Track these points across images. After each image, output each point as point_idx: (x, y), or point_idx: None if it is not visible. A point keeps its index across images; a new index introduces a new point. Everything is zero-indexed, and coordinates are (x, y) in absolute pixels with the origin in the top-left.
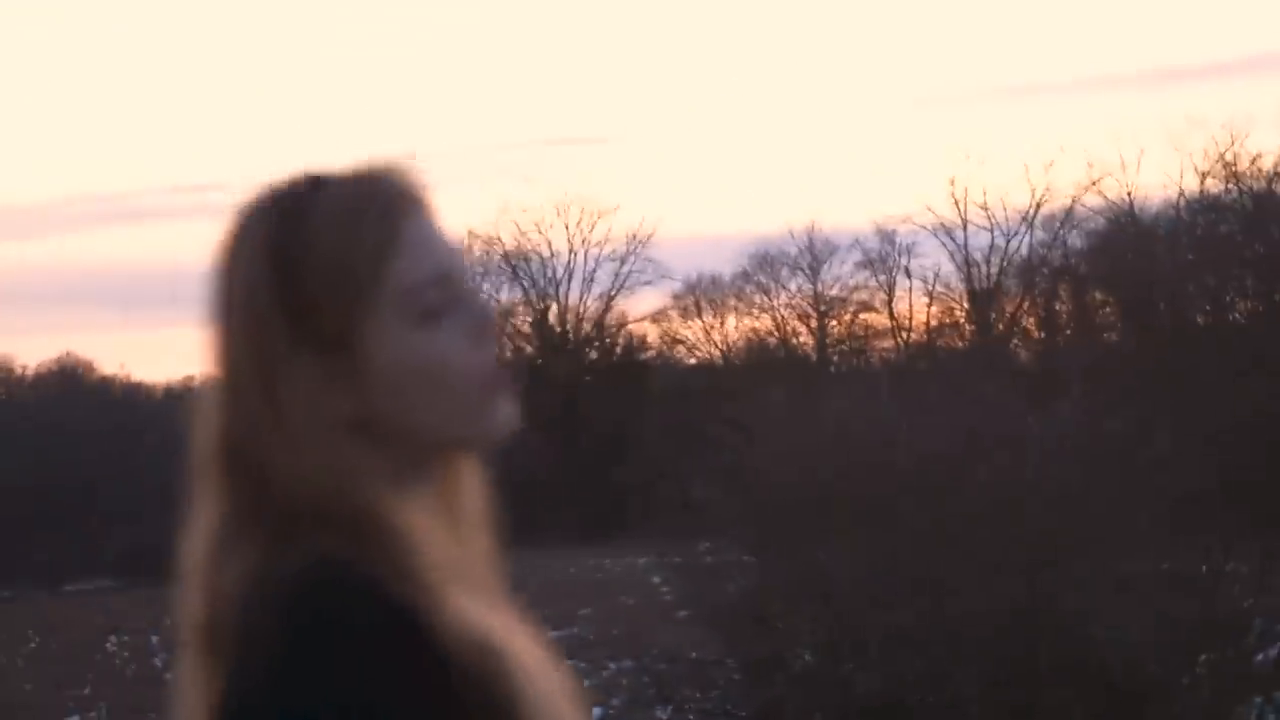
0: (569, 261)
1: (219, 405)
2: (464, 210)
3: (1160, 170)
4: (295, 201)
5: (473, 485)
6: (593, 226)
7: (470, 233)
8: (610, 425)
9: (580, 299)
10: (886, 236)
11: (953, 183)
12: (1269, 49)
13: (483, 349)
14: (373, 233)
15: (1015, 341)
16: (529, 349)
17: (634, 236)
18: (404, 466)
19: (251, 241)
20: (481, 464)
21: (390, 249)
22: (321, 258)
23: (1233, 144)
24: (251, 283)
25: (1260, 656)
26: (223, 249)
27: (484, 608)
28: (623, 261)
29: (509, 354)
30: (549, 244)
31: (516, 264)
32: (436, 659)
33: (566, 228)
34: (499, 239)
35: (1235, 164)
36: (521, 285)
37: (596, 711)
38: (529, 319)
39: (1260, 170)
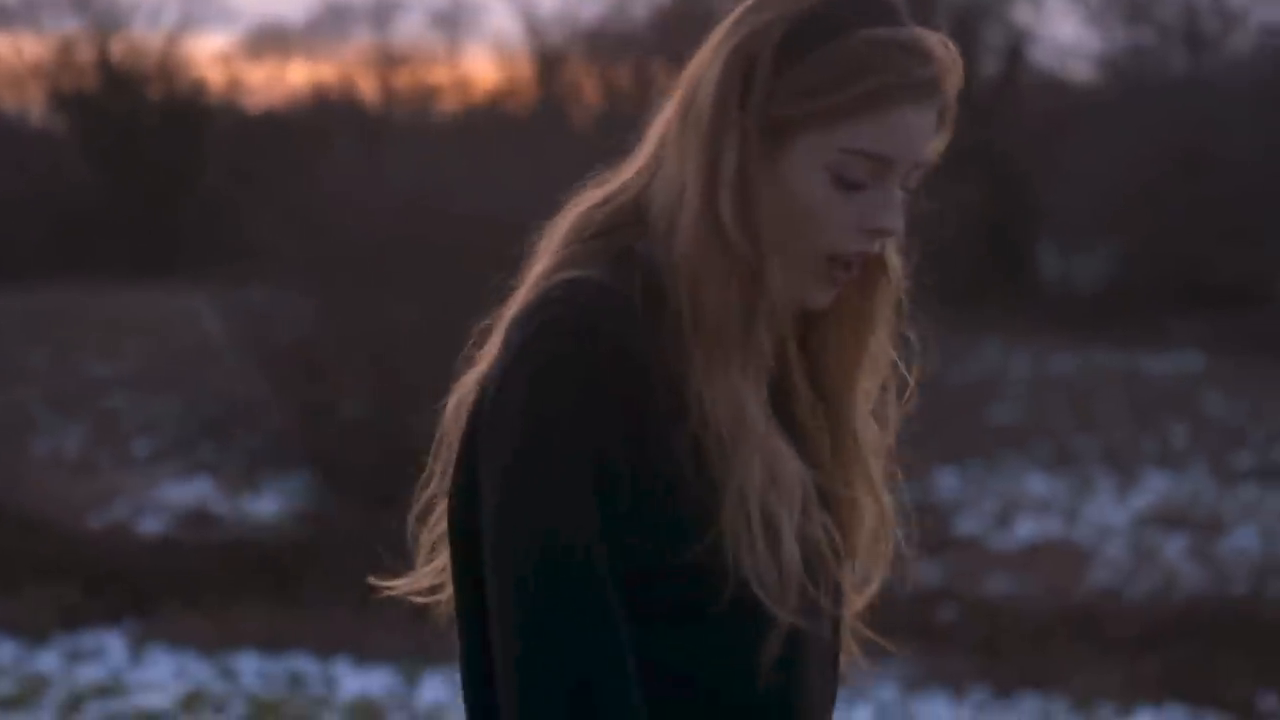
0: None
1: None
2: None
3: None
4: (850, 12)
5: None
6: None
7: None
8: (170, 165)
9: (144, 35)
10: None
11: None
12: None
13: (859, 242)
14: (877, 89)
15: (578, 108)
16: (89, 83)
17: None
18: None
19: (792, 13)
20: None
21: (872, 111)
22: (820, 67)
23: None
24: (757, 35)
25: None
26: (753, 5)
27: (758, 398)
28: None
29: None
30: None
31: None
32: (646, 398)
33: None
34: None
35: None
36: (83, 17)
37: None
38: (90, 54)
39: None
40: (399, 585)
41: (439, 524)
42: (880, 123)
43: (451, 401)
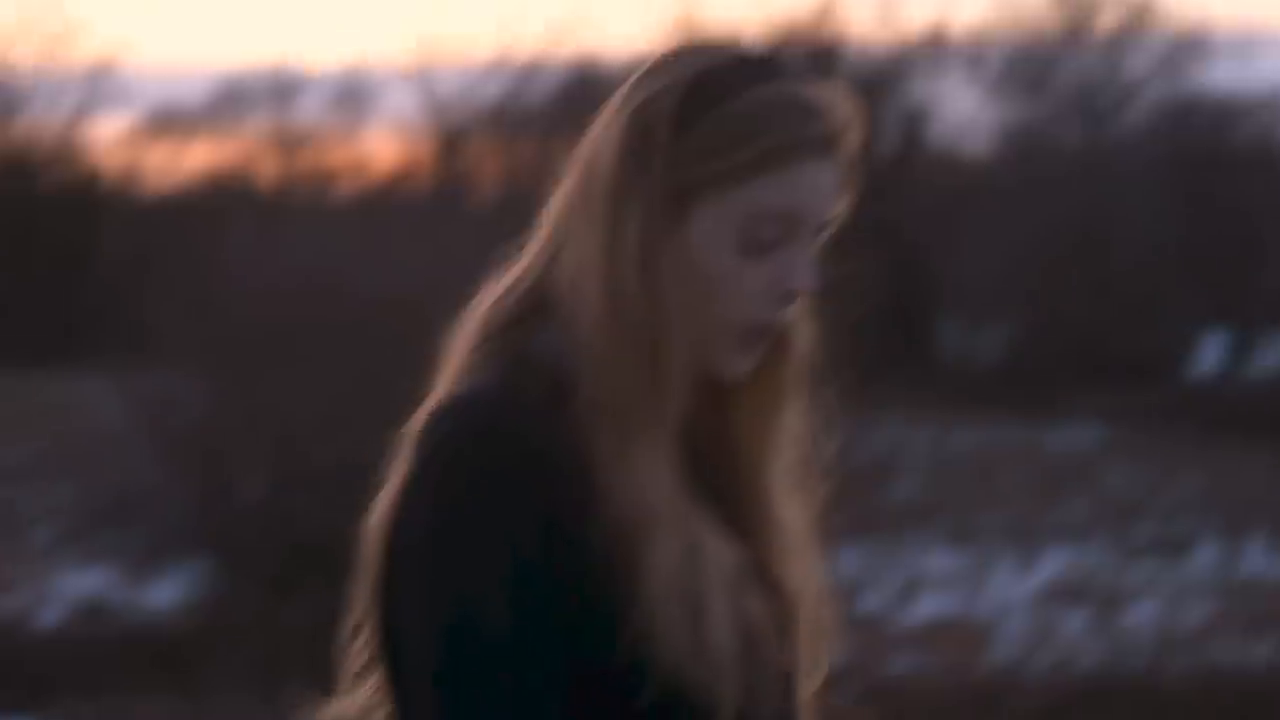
0: (32, 80)
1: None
2: None
3: (623, 29)
4: (748, 71)
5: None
6: (58, 46)
7: None
8: (66, 249)
9: (41, 119)
10: (356, 76)
11: (422, 26)
12: None
13: (774, 307)
14: (776, 144)
15: (479, 187)
16: None
17: (100, 59)
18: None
19: (687, 77)
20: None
21: (775, 167)
22: (718, 126)
23: (691, 8)
24: (654, 102)
25: None
26: (662, 62)
27: (672, 479)
28: (88, 83)
29: None
30: (11, 61)
31: None
32: (555, 501)
33: (32, 46)
34: None
35: (693, 28)
36: None
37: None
38: None
39: (715, 35)
40: (331, 711)
41: (367, 646)
42: (782, 179)
43: (369, 522)
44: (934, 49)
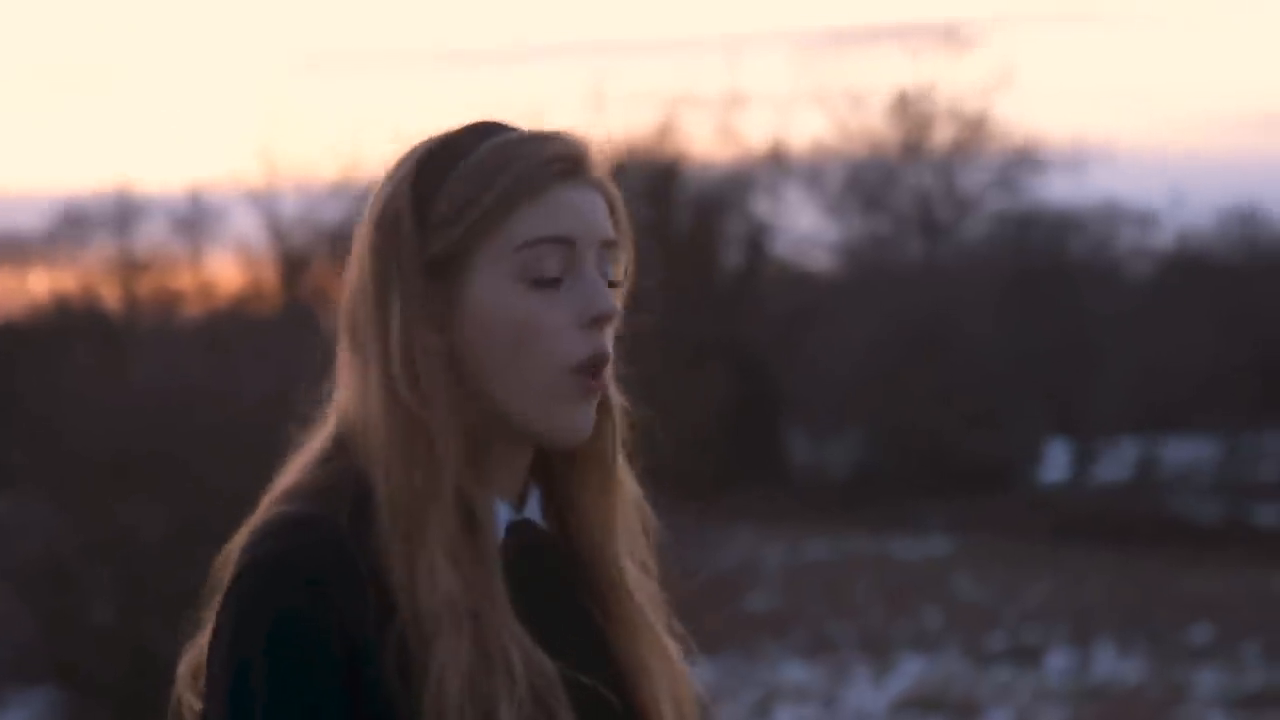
0: None
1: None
2: None
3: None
4: (467, 136)
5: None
6: None
7: None
8: None
9: None
10: (198, 199)
11: (264, 149)
12: (565, 39)
13: (588, 336)
14: (515, 179)
15: (323, 307)
16: None
17: None
18: (477, 437)
19: (415, 158)
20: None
21: (524, 200)
22: (457, 186)
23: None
24: (393, 193)
25: None
26: (392, 163)
27: (462, 577)
28: None
29: None
30: None
31: None
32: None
33: None
34: None
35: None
36: None
37: None
38: None
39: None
40: None
41: None
42: (536, 209)
43: (181, 665)
44: (774, 165)
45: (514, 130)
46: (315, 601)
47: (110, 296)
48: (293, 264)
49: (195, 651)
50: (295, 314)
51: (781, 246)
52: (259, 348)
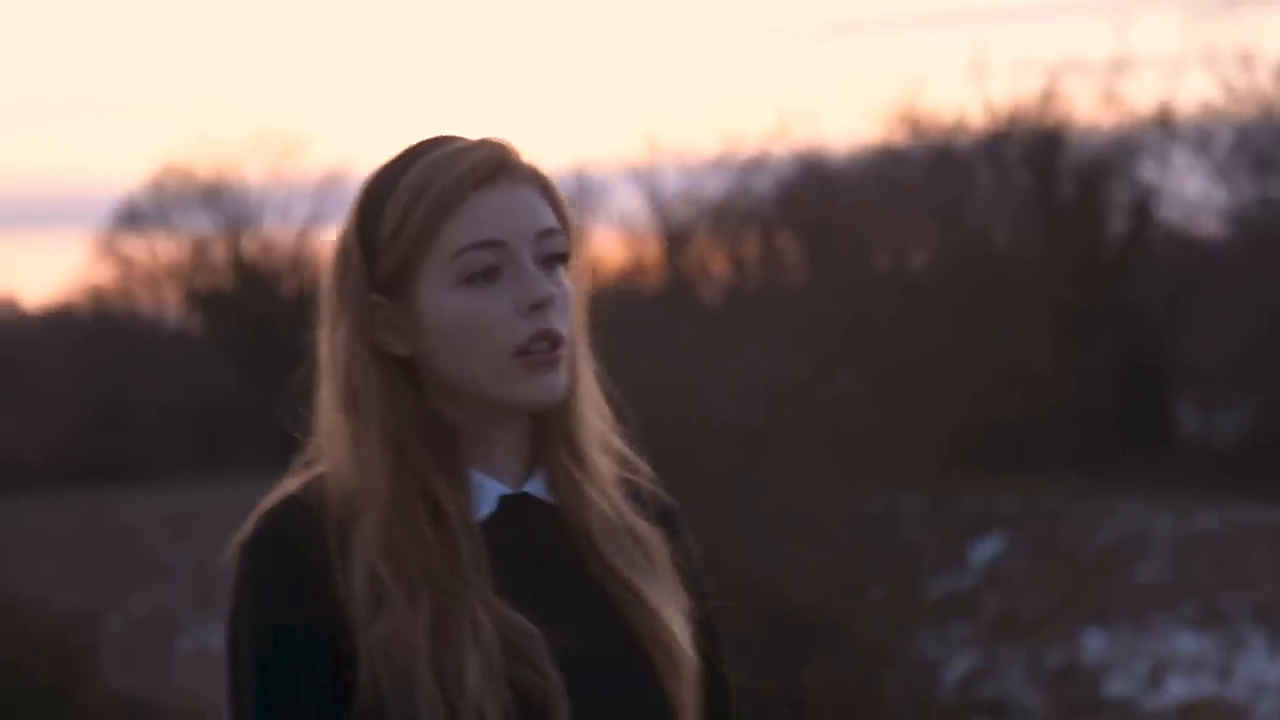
0: (265, 193)
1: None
2: (159, 141)
3: (845, 121)
4: (404, 158)
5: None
6: (289, 159)
7: (166, 165)
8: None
9: (276, 231)
10: (580, 177)
11: (646, 127)
12: (946, 6)
13: (530, 320)
14: (438, 195)
15: (705, 284)
16: (224, 281)
17: (331, 170)
18: (462, 418)
19: (363, 188)
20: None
21: (449, 212)
22: (393, 210)
23: (913, 97)
24: (347, 223)
25: (932, 589)
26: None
27: (386, 570)
28: (319, 195)
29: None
30: (245, 176)
31: (212, 195)
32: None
33: (263, 160)
34: (194, 170)
35: (915, 117)
36: (216, 216)
37: None
38: (225, 251)
39: (939, 123)
40: None
41: None
42: (464, 216)
43: None
44: (1161, 129)
45: (445, 146)
46: (284, 530)
47: None
48: (674, 239)
49: None
50: (676, 290)
51: (1169, 212)
52: (641, 324)
